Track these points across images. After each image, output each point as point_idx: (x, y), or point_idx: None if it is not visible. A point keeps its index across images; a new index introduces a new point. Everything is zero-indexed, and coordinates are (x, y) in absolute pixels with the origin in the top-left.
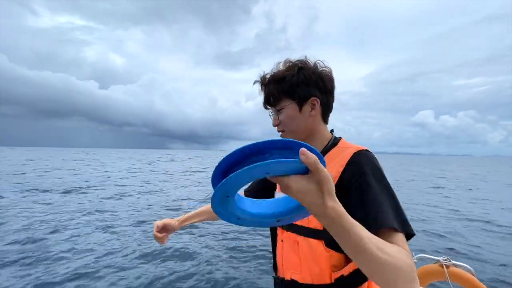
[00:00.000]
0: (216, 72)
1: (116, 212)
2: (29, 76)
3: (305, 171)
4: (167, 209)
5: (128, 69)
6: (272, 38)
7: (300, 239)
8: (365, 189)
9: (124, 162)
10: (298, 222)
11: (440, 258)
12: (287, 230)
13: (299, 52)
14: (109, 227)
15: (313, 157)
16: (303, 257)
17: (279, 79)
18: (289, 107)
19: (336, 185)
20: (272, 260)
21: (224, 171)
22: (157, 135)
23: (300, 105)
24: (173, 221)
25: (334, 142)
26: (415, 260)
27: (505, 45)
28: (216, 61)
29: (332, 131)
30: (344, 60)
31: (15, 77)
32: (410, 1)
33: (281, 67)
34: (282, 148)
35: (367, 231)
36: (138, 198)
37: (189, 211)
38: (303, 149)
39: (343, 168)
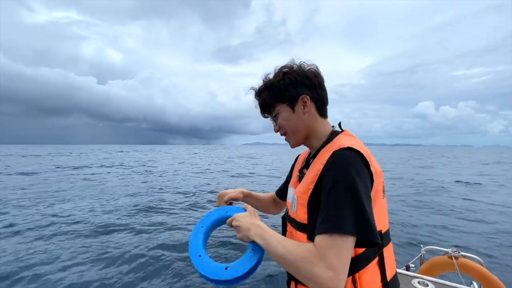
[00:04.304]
0: (215, 66)
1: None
2: (27, 73)
3: None
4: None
5: (126, 64)
6: (271, 31)
7: (293, 231)
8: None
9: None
10: (292, 215)
11: (449, 250)
12: (288, 222)
13: (299, 45)
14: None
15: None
16: None
17: (269, 87)
18: (283, 110)
19: (315, 184)
20: None
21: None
22: (158, 130)
23: (292, 106)
24: (240, 194)
25: (331, 137)
26: (423, 252)
27: (503, 35)
28: (215, 56)
29: (340, 124)
30: (343, 53)
31: (13, 74)
32: None
33: (271, 76)
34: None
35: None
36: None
37: None
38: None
39: (322, 166)
